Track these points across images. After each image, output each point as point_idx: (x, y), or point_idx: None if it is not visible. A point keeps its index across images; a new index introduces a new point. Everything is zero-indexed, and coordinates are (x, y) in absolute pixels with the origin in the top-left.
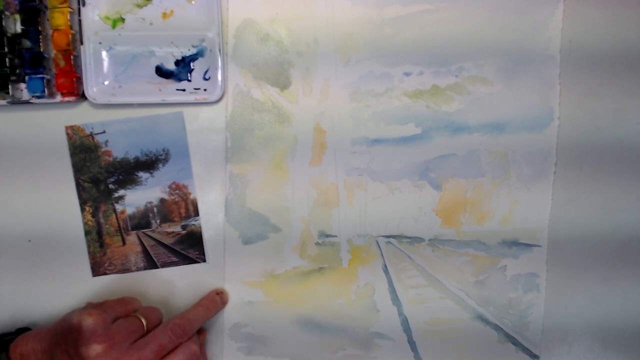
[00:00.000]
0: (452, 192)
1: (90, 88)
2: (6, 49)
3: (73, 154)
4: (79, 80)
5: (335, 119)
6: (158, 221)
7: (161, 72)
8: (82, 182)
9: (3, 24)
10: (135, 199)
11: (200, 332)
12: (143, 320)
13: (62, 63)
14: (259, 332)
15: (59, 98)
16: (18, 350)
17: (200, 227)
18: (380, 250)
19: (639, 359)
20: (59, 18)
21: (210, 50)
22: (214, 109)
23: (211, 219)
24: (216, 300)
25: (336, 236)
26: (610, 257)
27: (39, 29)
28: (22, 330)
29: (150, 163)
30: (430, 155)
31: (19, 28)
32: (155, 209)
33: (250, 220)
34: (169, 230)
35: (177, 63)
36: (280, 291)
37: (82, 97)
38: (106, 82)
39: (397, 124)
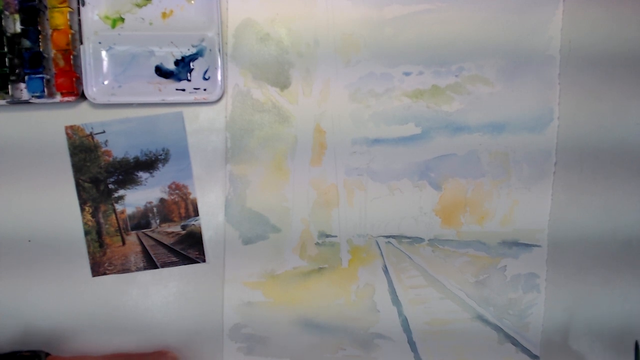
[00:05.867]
0: (452, 192)
1: (90, 88)
2: (6, 49)
3: (73, 154)
4: (79, 80)
5: (336, 119)
6: (158, 221)
7: (161, 72)
8: (82, 182)
9: (3, 23)
10: (135, 199)
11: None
12: None
13: (61, 63)
14: (258, 332)
15: (58, 98)
16: None
17: (200, 227)
18: (380, 250)
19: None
20: (58, 18)
21: (210, 50)
22: (214, 109)
23: (211, 219)
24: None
25: (336, 236)
26: (610, 257)
27: (39, 28)
28: (36, 353)
29: (150, 163)
30: (430, 155)
31: (18, 28)
32: (155, 209)
33: (250, 220)
34: (169, 230)
35: (176, 63)
36: (280, 291)
37: (82, 97)
38: (106, 82)
39: (397, 124)
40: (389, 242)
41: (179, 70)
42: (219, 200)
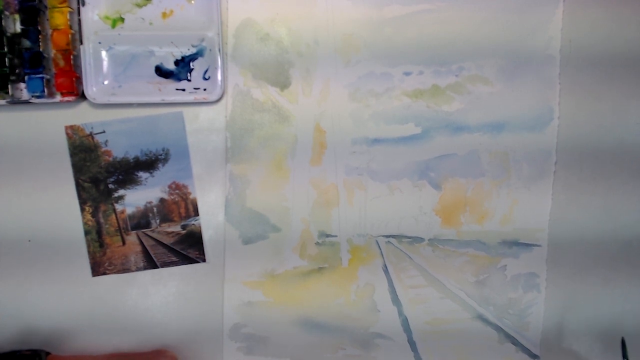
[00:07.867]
0: (452, 191)
1: (90, 88)
2: (6, 49)
3: (73, 154)
4: (79, 80)
5: (335, 119)
6: (158, 221)
7: (161, 71)
8: (82, 182)
9: (3, 23)
10: (135, 198)
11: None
12: None
13: (61, 63)
14: (258, 332)
15: (58, 98)
16: None
17: (200, 227)
18: (380, 250)
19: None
20: (58, 18)
21: (210, 50)
22: (214, 109)
23: (211, 219)
24: None
25: (336, 236)
26: (610, 257)
27: (39, 28)
28: (36, 352)
29: (150, 163)
30: (430, 155)
31: (18, 28)
32: (155, 209)
33: (250, 220)
34: (169, 230)
35: (176, 63)
36: (280, 291)
37: (82, 96)
38: (106, 82)
39: (397, 123)
40: (389, 241)
41: (179, 70)
42: (219, 200)
